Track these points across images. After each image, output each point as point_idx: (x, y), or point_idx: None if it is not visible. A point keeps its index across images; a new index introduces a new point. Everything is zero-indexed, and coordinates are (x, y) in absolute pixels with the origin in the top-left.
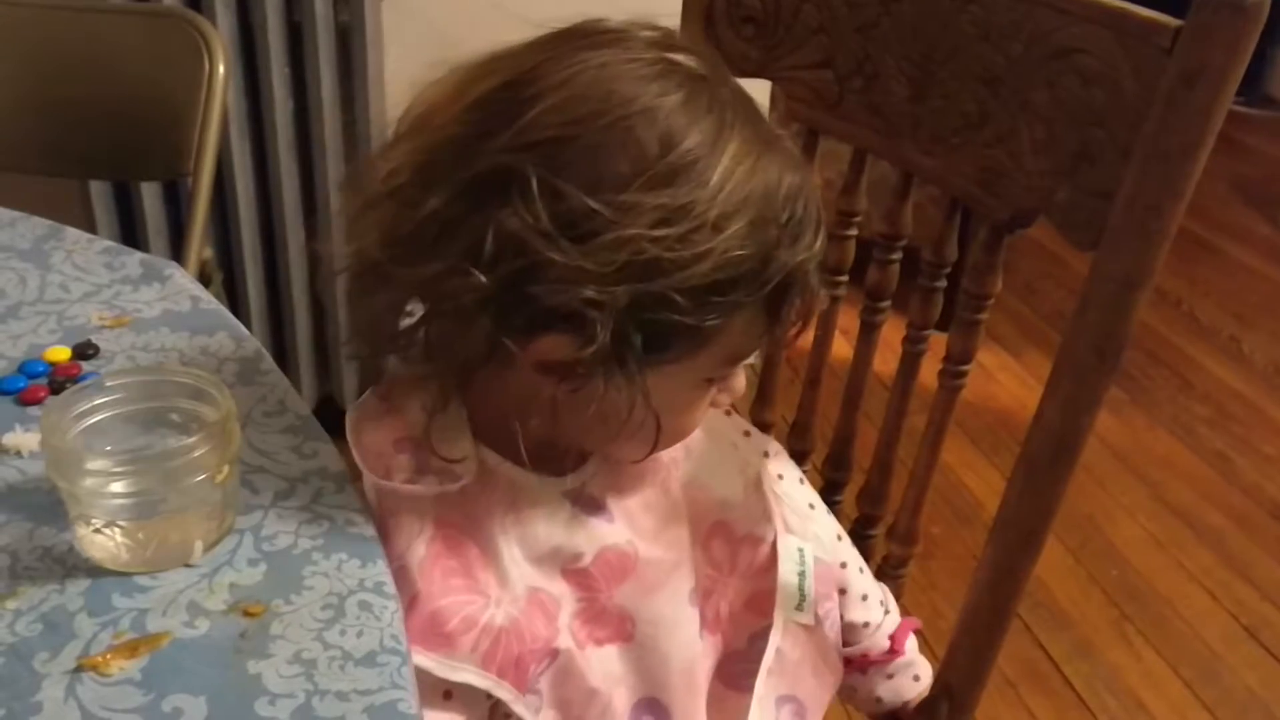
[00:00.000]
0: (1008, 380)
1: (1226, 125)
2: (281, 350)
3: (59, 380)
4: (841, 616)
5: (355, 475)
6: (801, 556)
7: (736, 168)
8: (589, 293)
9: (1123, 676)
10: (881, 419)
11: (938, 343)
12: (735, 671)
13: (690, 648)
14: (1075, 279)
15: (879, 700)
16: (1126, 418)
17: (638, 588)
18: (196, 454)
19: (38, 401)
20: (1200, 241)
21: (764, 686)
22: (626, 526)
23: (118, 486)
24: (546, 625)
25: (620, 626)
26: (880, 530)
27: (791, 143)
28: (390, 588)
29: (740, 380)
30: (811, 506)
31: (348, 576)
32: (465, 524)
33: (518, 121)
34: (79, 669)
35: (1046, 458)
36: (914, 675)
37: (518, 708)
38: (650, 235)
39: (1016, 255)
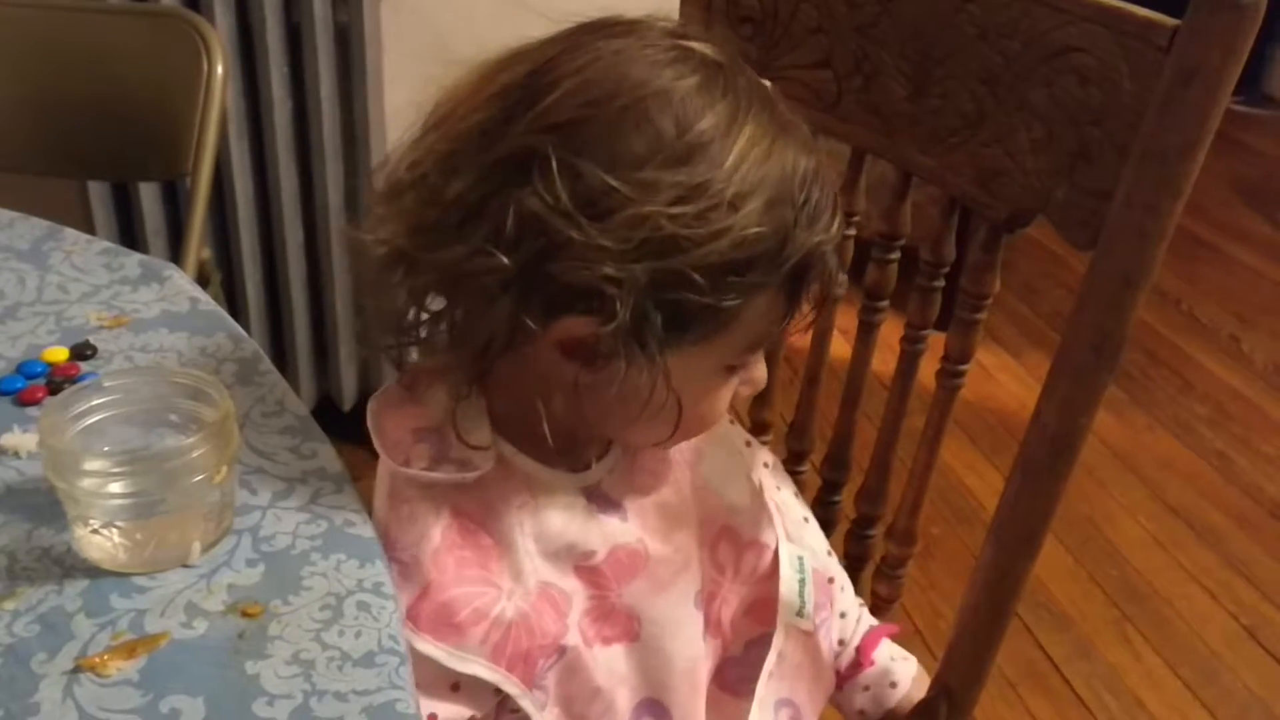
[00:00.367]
0: (1007, 380)
1: (1226, 125)
2: (280, 351)
3: (57, 381)
4: None
5: (355, 475)
6: (801, 564)
7: (752, 149)
8: (608, 270)
9: (1123, 677)
10: (880, 419)
11: (936, 342)
12: (732, 677)
13: (693, 650)
14: (1074, 278)
15: (862, 713)
16: (1126, 418)
17: (646, 587)
18: (195, 454)
19: (36, 402)
20: (1200, 241)
21: (764, 689)
22: (639, 525)
23: (116, 487)
24: (556, 621)
25: (627, 626)
26: (879, 530)
27: (807, 130)
28: (389, 588)
29: (761, 370)
30: (805, 520)
31: (346, 577)
32: (481, 515)
33: (537, 106)
34: (77, 670)
35: (1045, 458)
36: (890, 683)
37: (524, 703)
38: (668, 213)
39: (1015, 255)
